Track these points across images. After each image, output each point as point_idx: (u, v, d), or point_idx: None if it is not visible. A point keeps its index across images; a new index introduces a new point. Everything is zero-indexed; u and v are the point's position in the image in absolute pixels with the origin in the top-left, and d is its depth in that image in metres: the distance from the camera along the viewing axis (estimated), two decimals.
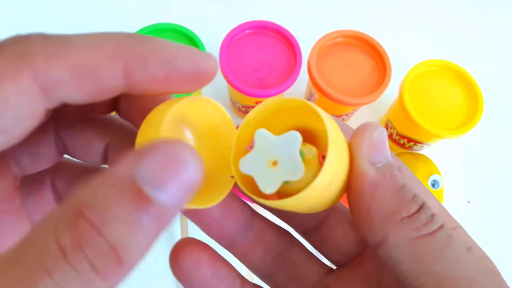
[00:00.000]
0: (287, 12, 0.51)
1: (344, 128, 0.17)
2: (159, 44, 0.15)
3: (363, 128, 0.15)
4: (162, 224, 0.12)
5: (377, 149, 0.15)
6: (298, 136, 0.15)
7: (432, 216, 0.15)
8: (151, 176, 0.11)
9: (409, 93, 0.39)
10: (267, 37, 0.40)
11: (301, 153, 0.15)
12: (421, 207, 0.15)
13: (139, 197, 0.11)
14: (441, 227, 0.15)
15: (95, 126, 0.19)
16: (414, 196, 0.15)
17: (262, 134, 0.15)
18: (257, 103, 0.40)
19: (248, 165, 0.15)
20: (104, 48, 0.14)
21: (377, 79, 0.40)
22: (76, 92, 0.14)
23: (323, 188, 0.14)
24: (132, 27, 0.38)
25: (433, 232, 0.14)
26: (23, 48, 0.13)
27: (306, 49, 0.39)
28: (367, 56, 0.40)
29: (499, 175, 0.46)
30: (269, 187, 0.15)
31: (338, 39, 0.41)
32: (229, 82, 0.37)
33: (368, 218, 0.15)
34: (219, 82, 0.42)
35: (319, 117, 0.14)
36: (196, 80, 0.15)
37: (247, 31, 0.40)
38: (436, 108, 0.39)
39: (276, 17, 0.41)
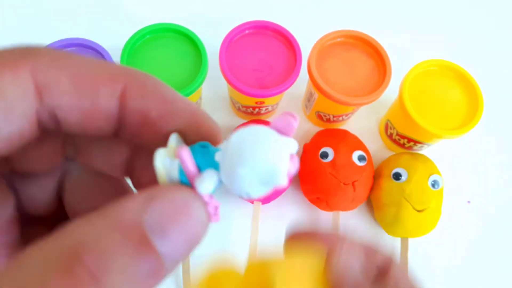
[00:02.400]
0: (287, 12, 0.51)
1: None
2: (164, 84, 0.14)
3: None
4: (160, 276, 0.11)
5: None
6: None
7: None
8: (159, 224, 0.11)
9: (409, 93, 0.39)
10: (267, 37, 0.40)
11: None
12: None
13: (143, 245, 0.10)
14: None
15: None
16: None
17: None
18: (257, 103, 0.40)
19: None
20: (108, 68, 0.13)
21: (377, 79, 0.40)
22: (70, 103, 0.13)
23: None
24: (132, 27, 0.38)
25: None
26: (28, 48, 0.13)
27: (306, 49, 0.39)
28: (367, 56, 0.40)
29: (499, 175, 0.46)
30: None
31: (338, 39, 0.41)
32: (229, 82, 0.37)
33: None
34: (219, 82, 0.42)
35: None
36: (190, 132, 0.14)
37: (247, 31, 0.40)
38: (436, 108, 0.39)
39: (276, 17, 0.41)
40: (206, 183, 0.12)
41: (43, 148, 0.16)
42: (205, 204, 0.12)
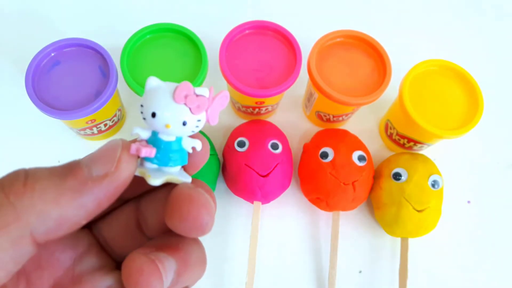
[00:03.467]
0: (287, 12, 0.51)
1: None
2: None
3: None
4: (86, 188, 0.15)
5: None
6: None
7: None
8: (89, 156, 0.16)
9: (409, 93, 0.39)
10: (267, 37, 0.40)
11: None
12: None
13: (69, 170, 0.15)
14: None
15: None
16: None
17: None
18: (257, 103, 0.40)
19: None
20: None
21: (377, 79, 0.40)
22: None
23: None
24: (132, 27, 0.38)
25: None
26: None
27: (306, 49, 0.39)
28: (367, 56, 0.40)
29: (499, 175, 0.46)
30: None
31: (338, 39, 0.41)
32: (228, 82, 0.37)
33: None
34: (219, 82, 0.42)
35: None
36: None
37: (247, 31, 0.40)
38: (436, 108, 0.39)
39: (276, 17, 0.41)
40: (137, 128, 0.18)
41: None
42: (125, 141, 0.16)
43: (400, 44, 0.46)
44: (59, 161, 0.43)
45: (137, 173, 0.17)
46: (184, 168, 0.19)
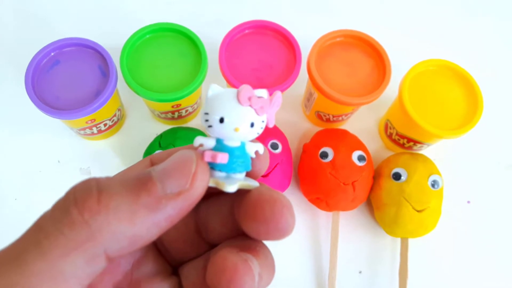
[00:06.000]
0: (287, 12, 0.51)
1: None
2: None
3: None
4: (161, 207, 0.14)
5: None
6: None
7: None
8: (162, 169, 0.15)
9: (408, 93, 0.39)
10: (266, 36, 0.40)
11: None
12: None
13: (141, 186, 0.14)
14: None
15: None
16: None
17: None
18: None
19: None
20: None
21: (376, 78, 0.40)
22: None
23: None
24: (132, 27, 0.38)
25: None
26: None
27: (305, 48, 0.39)
28: (367, 55, 0.40)
29: (499, 175, 0.46)
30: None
31: (338, 39, 0.41)
32: (228, 82, 0.37)
33: None
34: (219, 82, 0.41)
35: None
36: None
37: (246, 31, 0.40)
38: (436, 108, 0.39)
39: (276, 16, 0.41)
40: (200, 138, 0.17)
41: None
42: (198, 152, 0.16)
43: (399, 43, 0.46)
44: (59, 161, 0.43)
45: (210, 184, 0.16)
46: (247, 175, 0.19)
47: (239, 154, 0.17)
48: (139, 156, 0.42)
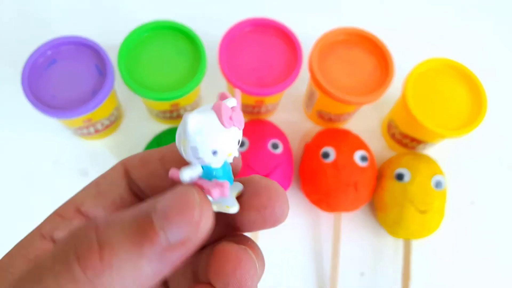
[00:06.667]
0: (288, 10, 0.51)
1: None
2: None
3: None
4: (167, 258, 0.14)
5: None
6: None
7: None
8: (163, 211, 0.14)
9: (412, 92, 0.38)
10: (267, 35, 0.39)
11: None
12: None
13: (143, 235, 0.14)
14: None
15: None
16: None
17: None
18: (257, 102, 0.39)
19: None
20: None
21: (379, 77, 0.39)
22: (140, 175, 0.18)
23: None
24: (131, 24, 0.38)
25: None
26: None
27: (307, 47, 0.39)
28: (370, 54, 0.40)
29: (503, 175, 0.45)
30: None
31: (340, 37, 0.40)
32: (228, 80, 0.37)
33: None
34: (219, 81, 0.41)
35: None
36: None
37: (247, 29, 0.39)
38: (440, 107, 0.39)
39: (277, 14, 0.41)
40: (186, 170, 0.16)
41: None
42: (198, 189, 0.15)
43: (403, 42, 0.46)
44: (55, 162, 0.42)
45: (214, 210, 0.16)
46: None
47: (226, 171, 0.17)
48: None
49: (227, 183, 0.15)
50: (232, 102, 0.16)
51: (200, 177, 0.16)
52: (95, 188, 0.17)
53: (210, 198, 0.15)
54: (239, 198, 0.17)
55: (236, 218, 0.17)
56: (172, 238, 0.14)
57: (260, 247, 0.18)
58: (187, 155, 0.16)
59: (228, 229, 0.18)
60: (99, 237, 0.14)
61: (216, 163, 0.16)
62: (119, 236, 0.14)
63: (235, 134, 0.16)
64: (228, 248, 0.16)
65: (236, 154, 0.17)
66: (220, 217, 0.17)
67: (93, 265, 0.13)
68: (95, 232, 0.14)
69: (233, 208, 0.16)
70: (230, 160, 0.17)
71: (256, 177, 0.17)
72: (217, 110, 0.15)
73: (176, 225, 0.14)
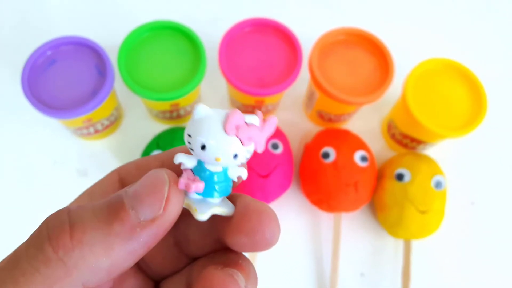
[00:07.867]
0: (288, 10, 0.51)
1: None
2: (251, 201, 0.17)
3: None
4: (135, 234, 0.14)
5: None
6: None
7: None
8: (133, 192, 0.14)
9: (412, 92, 0.38)
10: (267, 35, 0.39)
11: None
12: None
13: (113, 214, 0.14)
14: None
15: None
16: None
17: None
18: (257, 102, 0.39)
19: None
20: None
21: (379, 77, 0.39)
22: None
23: None
24: (130, 25, 0.38)
25: None
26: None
27: (307, 47, 0.39)
28: (370, 54, 0.40)
29: (503, 175, 0.45)
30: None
31: (340, 37, 0.40)
32: (228, 81, 0.37)
33: None
34: (218, 81, 0.41)
35: None
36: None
37: (247, 29, 0.39)
38: (440, 107, 0.39)
39: (277, 14, 0.40)
40: (182, 156, 0.16)
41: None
42: (171, 172, 0.15)
43: (403, 42, 0.45)
44: (55, 162, 0.42)
45: (184, 206, 0.16)
46: None
47: (219, 180, 0.16)
48: (137, 157, 0.42)
49: (202, 184, 0.16)
50: (254, 119, 0.16)
51: (191, 169, 0.16)
52: (88, 197, 0.17)
53: (191, 194, 0.16)
54: (229, 220, 0.16)
55: (226, 239, 0.16)
56: (142, 215, 0.14)
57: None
58: (185, 141, 0.16)
59: (221, 243, 0.18)
60: (71, 218, 0.14)
61: (208, 161, 0.16)
62: (90, 216, 0.14)
63: (232, 144, 0.15)
64: (213, 274, 0.15)
65: (241, 175, 0.17)
66: (211, 232, 0.18)
67: (64, 244, 0.14)
68: (68, 215, 0.14)
69: (200, 215, 0.16)
70: (220, 168, 0.16)
71: (247, 198, 0.17)
72: (229, 114, 0.15)
73: (146, 202, 0.14)
